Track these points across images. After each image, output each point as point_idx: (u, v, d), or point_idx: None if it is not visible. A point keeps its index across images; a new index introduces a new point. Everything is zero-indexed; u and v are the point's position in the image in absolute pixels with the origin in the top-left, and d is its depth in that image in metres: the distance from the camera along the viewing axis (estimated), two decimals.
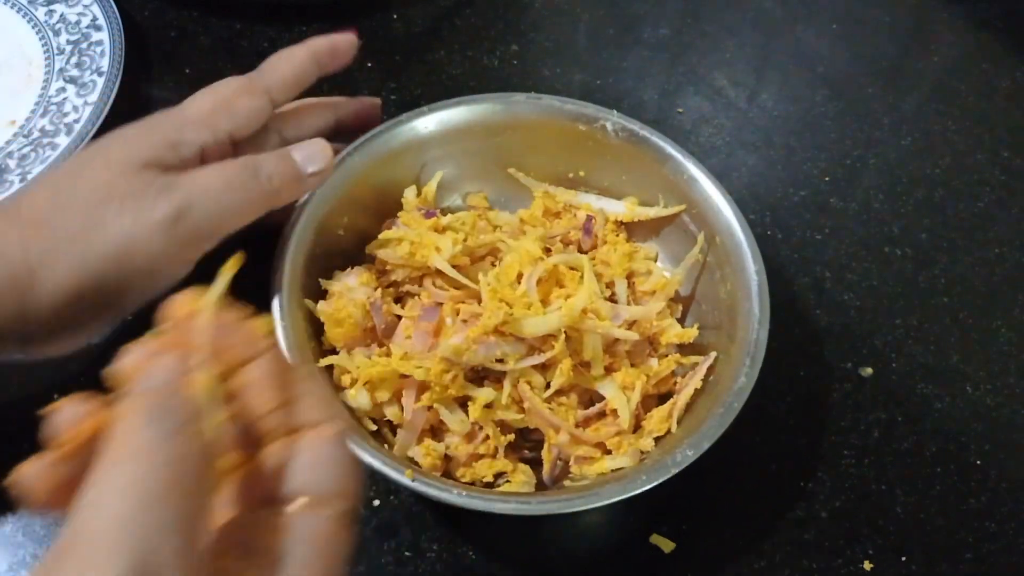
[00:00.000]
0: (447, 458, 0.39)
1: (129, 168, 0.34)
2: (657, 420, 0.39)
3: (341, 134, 0.44)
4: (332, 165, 0.38)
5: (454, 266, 0.40)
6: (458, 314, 0.39)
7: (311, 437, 0.24)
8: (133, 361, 0.23)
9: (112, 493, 0.20)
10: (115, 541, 0.19)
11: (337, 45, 0.42)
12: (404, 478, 0.34)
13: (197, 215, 0.34)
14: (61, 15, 0.56)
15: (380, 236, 0.42)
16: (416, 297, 0.41)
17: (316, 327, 0.40)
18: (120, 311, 0.36)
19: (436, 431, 0.40)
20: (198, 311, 0.24)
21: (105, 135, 0.38)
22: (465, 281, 0.40)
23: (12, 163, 0.48)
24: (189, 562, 0.20)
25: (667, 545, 0.40)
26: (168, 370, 0.22)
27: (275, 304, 0.38)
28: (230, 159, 0.36)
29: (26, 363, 0.36)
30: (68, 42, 0.55)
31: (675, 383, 0.42)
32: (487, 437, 0.39)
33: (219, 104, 0.38)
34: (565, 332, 0.39)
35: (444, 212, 0.45)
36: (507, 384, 0.39)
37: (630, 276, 0.44)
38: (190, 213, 0.34)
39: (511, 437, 0.39)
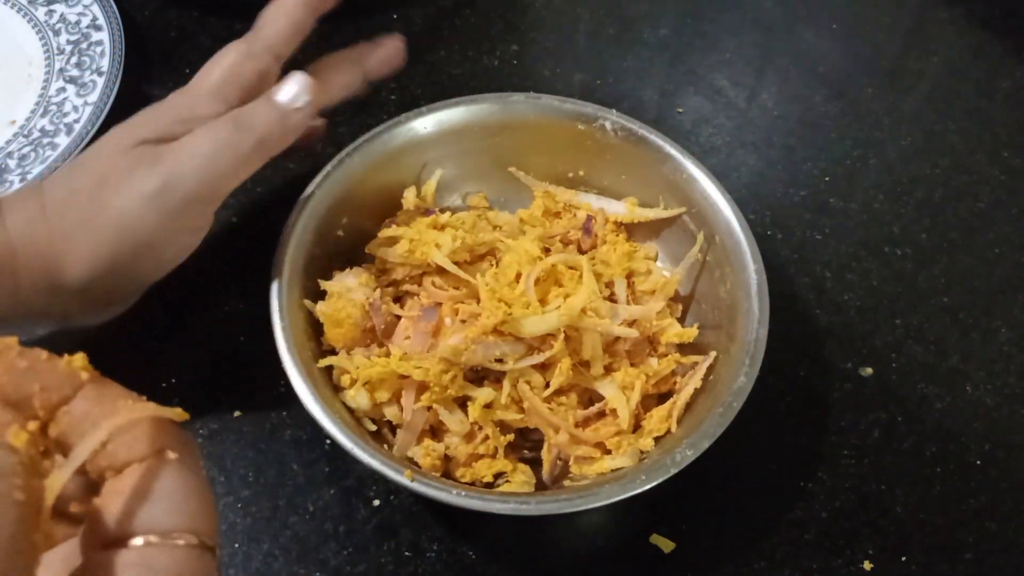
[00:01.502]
0: (447, 458, 0.39)
1: (129, 147, 0.35)
2: (657, 420, 0.39)
3: (369, 83, 0.43)
4: (316, 96, 0.37)
5: (454, 263, 0.40)
6: (457, 314, 0.39)
7: (143, 472, 0.22)
8: None
9: None
10: None
11: None
12: (404, 478, 0.34)
13: (187, 183, 0.34)
14: (61, 15, 0.56)
15: (379, 234, 0.42)
16: (415, 297, 0.41)
17: (316, 328, 0.40)
18: (139, 285, 0.37)
19: (436, 431, 0.40)
20: None
21: (128, 118, 0.39)
22: (466, 276, 0.40)
23: (12, 163, 0.49)
24: None
25: (667, 545, 0.40)
26: None
27: (274, 304, 0.38)
28: (216, 118, 0.36)
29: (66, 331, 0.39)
30: (68, 42, 0.55)
31: (675, 383, 0.42)
32: (487, 437, 0.39)
33: (227, 75, 0.38)
34: (564, 332, 0.39)
35: (444, 212, 0.45)
36: (506, 384, 0.39)
37: (630, 276, 0.44)
38: (179, 182, 0.34)
39: (511, 437, 0.39)
